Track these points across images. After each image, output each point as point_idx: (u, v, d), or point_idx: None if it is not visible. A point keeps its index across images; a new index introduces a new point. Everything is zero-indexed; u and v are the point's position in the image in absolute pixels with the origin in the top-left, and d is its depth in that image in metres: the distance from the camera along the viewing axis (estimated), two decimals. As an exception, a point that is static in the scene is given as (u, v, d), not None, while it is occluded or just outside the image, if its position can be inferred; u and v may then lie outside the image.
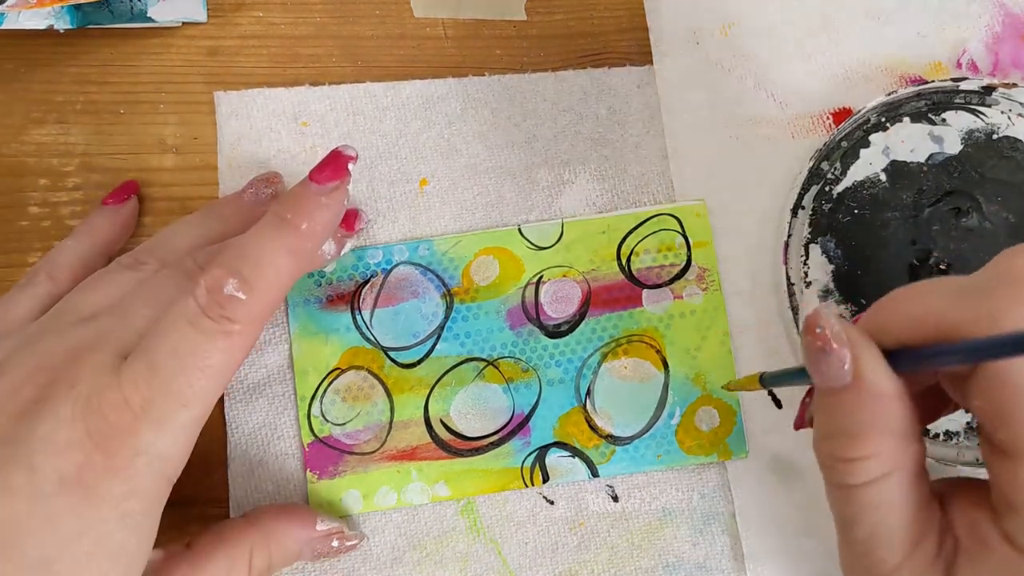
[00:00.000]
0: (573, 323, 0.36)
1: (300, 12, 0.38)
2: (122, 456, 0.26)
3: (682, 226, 0.37)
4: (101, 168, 0.37)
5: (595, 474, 0.35)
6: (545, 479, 0.35)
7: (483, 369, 0.36)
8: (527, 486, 0.35)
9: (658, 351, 0.36)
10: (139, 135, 0.37)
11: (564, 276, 0.36)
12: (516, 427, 0.35)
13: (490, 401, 0.36)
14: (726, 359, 0.36)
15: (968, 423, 0.35)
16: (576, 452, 0.35)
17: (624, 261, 0.36)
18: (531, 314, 0.36)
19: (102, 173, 0.37)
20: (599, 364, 0.36)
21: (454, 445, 0.35)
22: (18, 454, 0.25)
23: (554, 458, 0.35)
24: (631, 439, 0.35)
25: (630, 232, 0.37)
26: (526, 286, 0.36)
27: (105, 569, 0.26)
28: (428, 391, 0.35)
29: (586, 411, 0.36)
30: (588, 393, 0.36)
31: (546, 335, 0.36)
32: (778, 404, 0.36)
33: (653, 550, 0.35)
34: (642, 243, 0.36)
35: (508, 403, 0.36)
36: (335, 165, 0.30)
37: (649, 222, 0.37)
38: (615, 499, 0.35)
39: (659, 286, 0.36)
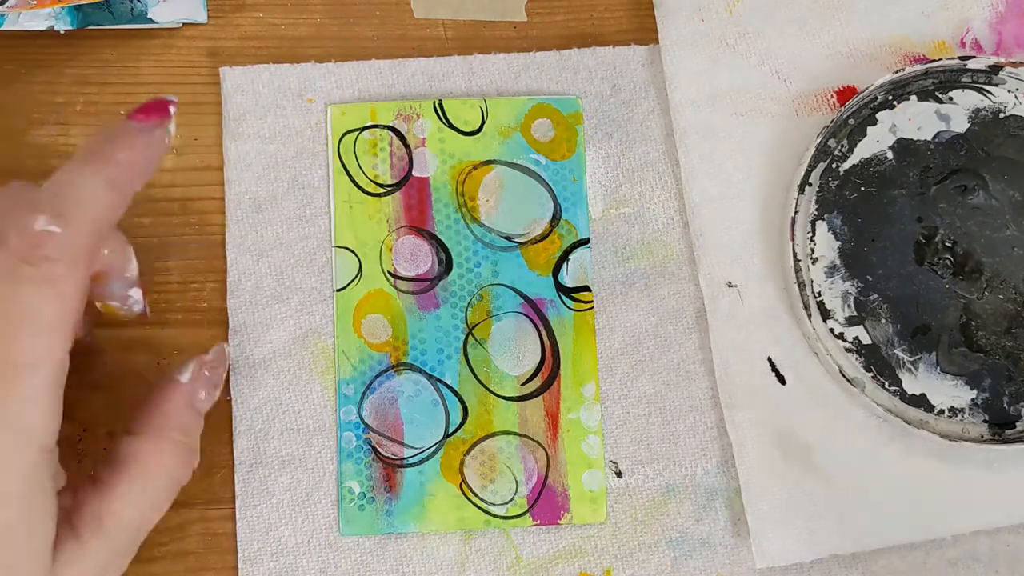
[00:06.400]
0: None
1: (300, 13, 0.38)
2: None
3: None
4: (101, 170, 0.36)
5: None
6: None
7: None
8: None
9: None
10: (139, 136, 0.37)
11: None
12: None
13: None
14: None
15: (972, 399, 0.35)
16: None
17: None
18: None
19: (102, 175, 0.36)
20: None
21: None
22: None
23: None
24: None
25: None
26: None
27: (9, 561, 0.25)
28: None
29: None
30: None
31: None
32: (782, 380, 0.36)
33: (656, 526, 0.35)
34: None
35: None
36: (156, 106, 0.28)
37: None
38: (619, 475, 0.36)
39: None
